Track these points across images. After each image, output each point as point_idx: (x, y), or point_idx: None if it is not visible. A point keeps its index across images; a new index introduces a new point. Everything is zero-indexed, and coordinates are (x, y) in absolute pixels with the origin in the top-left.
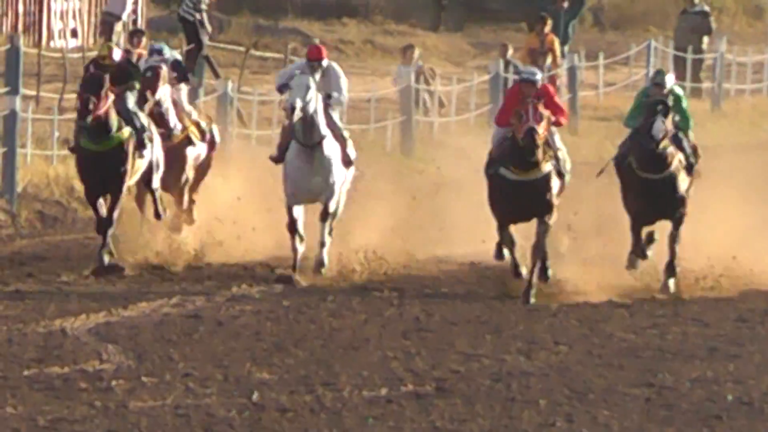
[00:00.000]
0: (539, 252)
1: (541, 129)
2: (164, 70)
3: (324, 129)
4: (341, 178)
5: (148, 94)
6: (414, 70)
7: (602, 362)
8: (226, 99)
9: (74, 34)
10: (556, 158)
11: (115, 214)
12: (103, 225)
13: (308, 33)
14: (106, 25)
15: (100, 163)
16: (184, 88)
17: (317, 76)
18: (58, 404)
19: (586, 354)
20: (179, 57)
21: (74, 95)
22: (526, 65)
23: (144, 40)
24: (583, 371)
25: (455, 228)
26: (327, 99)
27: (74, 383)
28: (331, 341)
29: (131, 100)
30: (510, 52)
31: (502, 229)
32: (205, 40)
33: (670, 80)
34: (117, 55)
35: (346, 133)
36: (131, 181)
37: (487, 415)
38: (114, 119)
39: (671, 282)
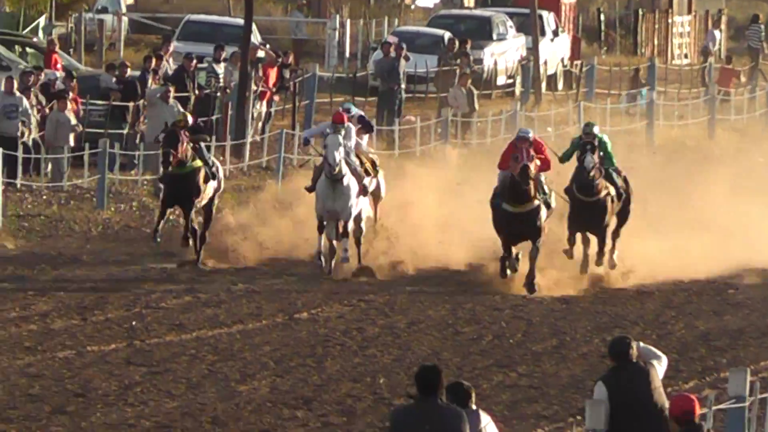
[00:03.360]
0: (533, 261)
1: (532, 166)
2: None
3: (345, 168)
4: (357, 204)
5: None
6: None
7: None
8: None
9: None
10: (544, 192)
11: (189, 221)
12: (185, 231)
13: None
14: None
15: (179, 181)
16: (365, 137)
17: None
18: None
19: None
20: (362, 113)
21: None
22: None
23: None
24: None
25: None
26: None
27: None
28: None
29: (204, 147)
30: None
31: (504, 248)
32: None
33: (596, 129)
34: (189, 119)
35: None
36: (203, 202)
37: None
38: (189, 154)
39: (606, 260)
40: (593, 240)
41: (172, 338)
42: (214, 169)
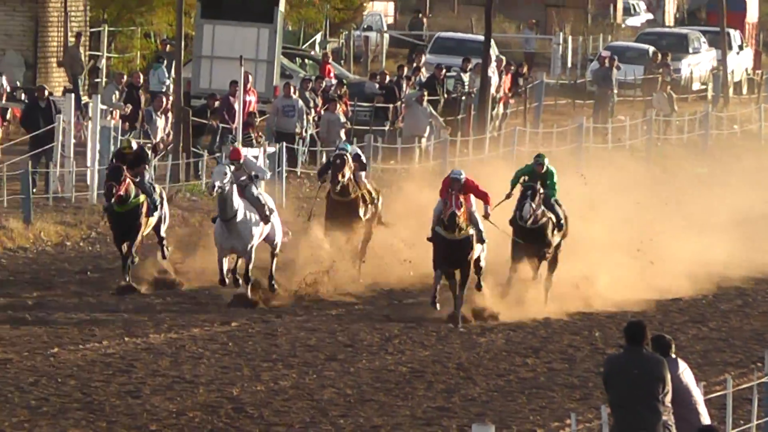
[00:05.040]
0: (460, 296)
1: (460, 213)
2: (349, 157)
3: (237, 203)
4: (260, 236)
5: (339, 176)
6: None
7: None
8: None
9: None
10: (479, 231)
11: (133, 251)
12: (123, 260)
13: None
14: None
15: (122, 219)
16: (362, 174)
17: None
18: None
19: None
20: (359, 151)
21: None
22: None
23: None
24: None
25: None
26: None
27: None
28: None
29: (147, 175)
30: None
31: (436, 270)
32: None
33: (546, 161)
34: (134, 145)
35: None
36: (147, 231)
37: None
38: (132, 190)
39: (548, 288)
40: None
41: (424, 299)
42: (156, 197)
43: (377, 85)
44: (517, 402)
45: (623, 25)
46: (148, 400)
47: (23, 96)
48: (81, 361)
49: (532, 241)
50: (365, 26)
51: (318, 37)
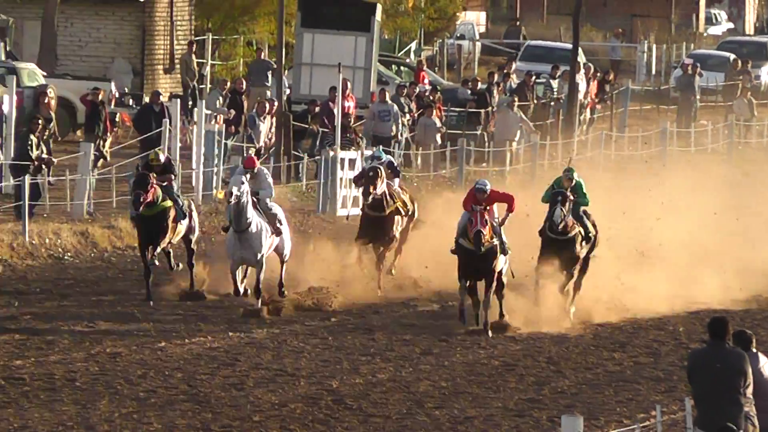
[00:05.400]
0: (486, 305)
1: (485, 230)
2: (382, 170)
3: (251, 213)
4: (271, 247)
5: (371, 188)
6: None
7: None
8: None
9: None
10: (502, 242)
11: (172, 260)
12: (146, 270)
13: None
14: None
15: (150, 222)
16: (396, 180)
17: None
18: None
19: None
20: (392, 159)
21: None
22: None
23: None
24: None
25: None
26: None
27: None
28: None
29: (175, 186)
30: None
31: (460, 280)
32: None
33: (576, 174)
34: (162, 157)
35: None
36: (176, 239)
37: None
38: (159, 195)
39: (572, 308)
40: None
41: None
42: (185, 208)
43: (469, 92)
44: (605, 394)
45: (705, 34)
46: (251, 392)
47: (131, 101)
48: (187, 354)
49: (561, 253)
50: (458, 35)
51: (413, 46)
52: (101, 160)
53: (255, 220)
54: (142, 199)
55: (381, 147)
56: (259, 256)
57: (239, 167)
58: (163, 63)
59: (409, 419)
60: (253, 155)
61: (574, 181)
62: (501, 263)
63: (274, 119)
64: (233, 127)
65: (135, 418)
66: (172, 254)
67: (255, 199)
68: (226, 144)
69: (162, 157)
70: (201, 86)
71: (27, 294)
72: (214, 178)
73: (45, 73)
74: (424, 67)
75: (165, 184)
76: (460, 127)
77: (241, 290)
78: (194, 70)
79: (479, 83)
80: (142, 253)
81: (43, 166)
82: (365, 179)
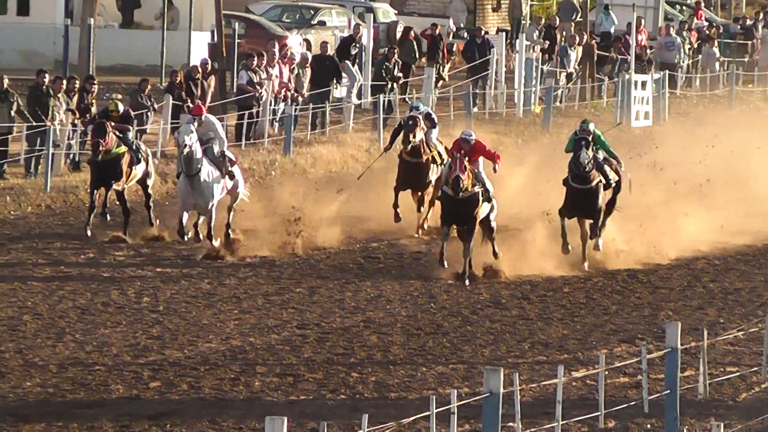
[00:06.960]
0: (466, 253)
1: (464, 176)
2: (421, 119)
3: (198, 155)
4: (222, 192)
5: (411, 136)
6: None
7: None
8: None
9: None
10: (486, 190)
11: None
12: (90, 208)
13: None
14: None
15: (103, 167)
16: (434, 131)
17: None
18: None
19: None
20: (430, 110)
21: None
22: None
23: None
24: None
25: None
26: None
27: None
28: None
29: (131, 134)
30: None
31: (443, 226)
32: None
33: (592, 126)
34: (121, 108)
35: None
36: (131, 182)
37: None
38: (114, 143)
39: (599, 242)
40: (586, 226)
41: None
42: (141, 153)
43: (738, 26)
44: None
45: None
46: None
47: (465, 35)
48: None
49: (583, 203)
50: None
51: None
52: (440, 81)
53: (206, 168)
54: (101, 148)
55: (419, 99)
56: (210, 204)
57: (187, 116)
58: (491, 3)
59: (689, 290)
60: (199, 104)
61: (591, 134)
62: (485, 210)
63: (581, 48)
64: (547, 55)
65: None
66: (151, 201)
67: (203, 148)
68: (542, 69)
69: (121, 108)
70: (523, 22)
71: None
72: (532, 96)
73: (396, 11)
74: (702, 7)
75: (122, 133)
76: (731, 55)
77: (187, 235)
78: (520, 7)
79: (747, 20)
80: (91, 193)
81: (395, 85)
82: (405, 128)
